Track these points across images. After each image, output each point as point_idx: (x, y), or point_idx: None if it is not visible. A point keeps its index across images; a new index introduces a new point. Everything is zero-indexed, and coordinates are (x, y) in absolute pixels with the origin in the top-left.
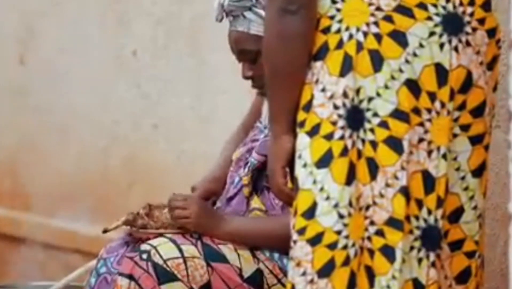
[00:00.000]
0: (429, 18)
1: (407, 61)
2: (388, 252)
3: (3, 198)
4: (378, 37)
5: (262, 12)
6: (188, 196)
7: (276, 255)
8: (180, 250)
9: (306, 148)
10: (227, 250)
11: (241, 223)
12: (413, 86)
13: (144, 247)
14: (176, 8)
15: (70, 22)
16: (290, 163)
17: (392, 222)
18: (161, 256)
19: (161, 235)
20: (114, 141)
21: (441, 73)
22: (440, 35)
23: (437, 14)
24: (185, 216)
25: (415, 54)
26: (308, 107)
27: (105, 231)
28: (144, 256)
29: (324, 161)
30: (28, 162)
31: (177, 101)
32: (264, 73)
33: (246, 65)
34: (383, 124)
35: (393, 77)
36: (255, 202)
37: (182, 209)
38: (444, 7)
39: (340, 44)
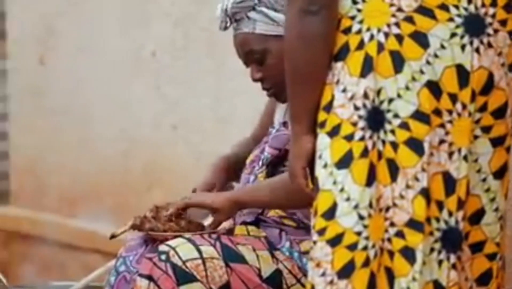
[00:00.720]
0: (451, 19)
1: (428, 63)
2: (408, 254)
3: (23, 198)
4: (399, 38)
5: (266, 11)
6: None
7: (295, 254)
8: (199, 251)
9: (327, 149)
10: (246, 250)
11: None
12: (434, 87)
13: (163, 248)
14: (194, 9)
15: (90, 23)
16: (311, 163)
17: (413, 224)
18: (180, 257)
19: (179, 235)
20: (133, 142)
21: (462, 74)
22: (462, 37)
23: (458, 15)
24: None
25: (436, 56)
26: (328, 108)
27: (112, 236)
28: (163, 257)
29: (344, 162)
30: (48, 162)
31: (196, 102)
32: (273, 73)
33: (254, 67)
34: (404, 126)
35: (414, 79)
36: None
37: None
38: (465, 8)
39: (361, 45)
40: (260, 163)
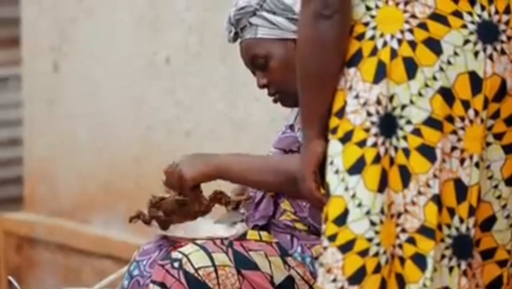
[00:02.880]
0: (464, 26)
1: (441, 69)
2: (420, 260)
3: (37, 203)
4: (412, 44)
5: (267, 15)
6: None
7: (307, 260)
8: (211, 259)
9: (338, 155)
10: (258, 257)
11: (233, 156)
12: (447, 94)
13: (175, 255)
14: (208, 15)
15: (104, 29)
16: (321, 168)
17: (424, 230)
18: (192, 265)
19: (193, 241)
20: (147, 148)
21: (475, 81)
22: (475, 43)
23: (472, 22)
24: (179, 177)
25: (449, 62)
26: (340, 113)
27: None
28: (176, 264)
29: (356, 168)
30: (62, 168)
31: (210, 108)
32: (277, 78)
33: (260, 74)
34: (416, 132)
35: (427, 85)
36: (285, 205)
37: (170, 174)
38: (479, 15)
39: (374, 51)
40: None
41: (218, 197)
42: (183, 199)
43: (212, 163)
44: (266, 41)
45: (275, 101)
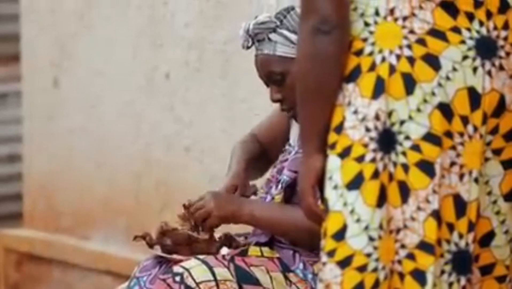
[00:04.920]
0: (463, 42)
1: (439, 85)
2: (419, 276)
3: (36, 220)
4: (411, 60)
5: (287, 33)
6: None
7: (309, 276)
8: (213, 273)
9: (337, 170)
10: (259, 272)
11: (264, 206)
12: (445, 109)
13: (177, 269)
14: (208, 31)
15: (104, 45)
16: (320, 183)
17: (423, 246)
18: (194, 279)
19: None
20: (147, 164)
21: (474, 97)
22: (474, 59)
23: (470, 38)
24: (207, 214)
25: (448, 78)
26: (339, 129)
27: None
28: (177, 278)
29: (355, 183)
30: (62, 184)
31: (210, 124)
32: (292, 94)
33: (274, 88)
34: (415, 148)
35: (425, 101)
36: None
37: (200, 209)
38: (477, 31)
39: (372, 67)
40: (280, 186)
41: (228, 241)
42: (196, 236)
43: (245, 210)
44: (284, 59)
45: (289, 117)
